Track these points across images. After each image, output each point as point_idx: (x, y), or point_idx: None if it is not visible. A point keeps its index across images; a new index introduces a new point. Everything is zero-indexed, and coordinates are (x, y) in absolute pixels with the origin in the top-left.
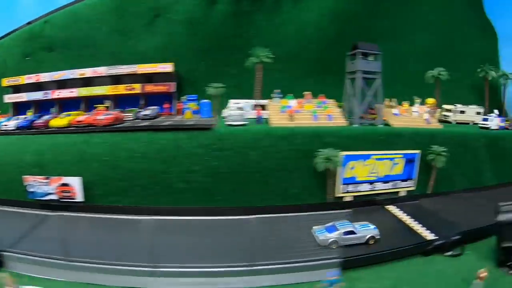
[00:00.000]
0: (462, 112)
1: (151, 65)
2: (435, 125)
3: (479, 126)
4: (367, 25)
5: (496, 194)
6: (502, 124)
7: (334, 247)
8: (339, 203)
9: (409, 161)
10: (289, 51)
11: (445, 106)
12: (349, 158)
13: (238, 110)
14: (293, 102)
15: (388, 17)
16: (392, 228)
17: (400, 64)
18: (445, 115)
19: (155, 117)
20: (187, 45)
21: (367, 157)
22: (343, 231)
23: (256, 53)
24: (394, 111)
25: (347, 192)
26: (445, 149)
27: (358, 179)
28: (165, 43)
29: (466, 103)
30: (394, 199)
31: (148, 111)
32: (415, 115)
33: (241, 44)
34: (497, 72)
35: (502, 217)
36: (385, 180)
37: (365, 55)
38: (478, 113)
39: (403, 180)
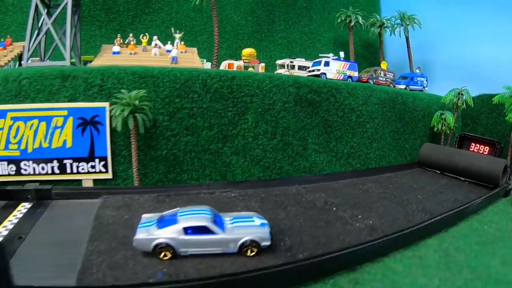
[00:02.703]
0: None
1: None
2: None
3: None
4: None
5: None
6: (349, 73)
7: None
8: None
9: (86, 123)
10: None
11: (278, 62)
12: None
13: None
14: None
15: None
16: None
17: None
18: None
19: None
20: None
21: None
22: (184, 225)
23: None
24: (114, 49)
25: None
26: (145, 94)
27: None
28: None
29: None
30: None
31: None
32: (154, 53)
33: None
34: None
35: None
36: (40, 157)
37: None
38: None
39: (80, 160)
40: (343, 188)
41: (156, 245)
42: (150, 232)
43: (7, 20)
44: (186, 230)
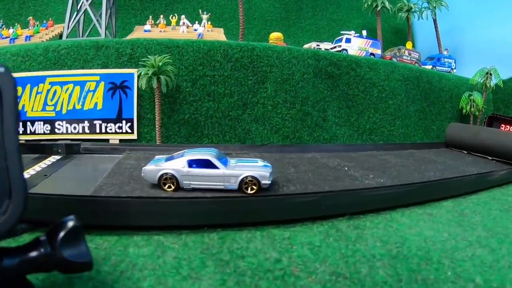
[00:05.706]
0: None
1: None
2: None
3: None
4: None
5: None
6: (372, 50)
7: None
8: None
9: (116, 88)
10: None
11: (305, 46)
12: None
13: None
14: None
15: None
16: None
17: None
18: None
19: None
20: None
21: (39, 80)
22: (188, 158)
23: None
24: (146, 27)
25: None
26: (170, 61)
27: (28, 114)
28: None
29: None
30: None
31: None
32: (182, 31)
33: None
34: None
35: None
36: (73, 118)
37: None
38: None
39: (109, 121)
40: (360, 157)
41: (161, 176)
42: (157, 165)
43: (49, 10)
44: (190, 164)
